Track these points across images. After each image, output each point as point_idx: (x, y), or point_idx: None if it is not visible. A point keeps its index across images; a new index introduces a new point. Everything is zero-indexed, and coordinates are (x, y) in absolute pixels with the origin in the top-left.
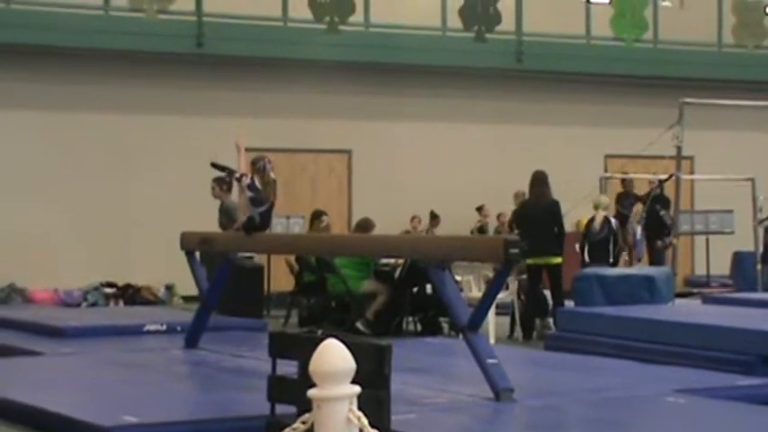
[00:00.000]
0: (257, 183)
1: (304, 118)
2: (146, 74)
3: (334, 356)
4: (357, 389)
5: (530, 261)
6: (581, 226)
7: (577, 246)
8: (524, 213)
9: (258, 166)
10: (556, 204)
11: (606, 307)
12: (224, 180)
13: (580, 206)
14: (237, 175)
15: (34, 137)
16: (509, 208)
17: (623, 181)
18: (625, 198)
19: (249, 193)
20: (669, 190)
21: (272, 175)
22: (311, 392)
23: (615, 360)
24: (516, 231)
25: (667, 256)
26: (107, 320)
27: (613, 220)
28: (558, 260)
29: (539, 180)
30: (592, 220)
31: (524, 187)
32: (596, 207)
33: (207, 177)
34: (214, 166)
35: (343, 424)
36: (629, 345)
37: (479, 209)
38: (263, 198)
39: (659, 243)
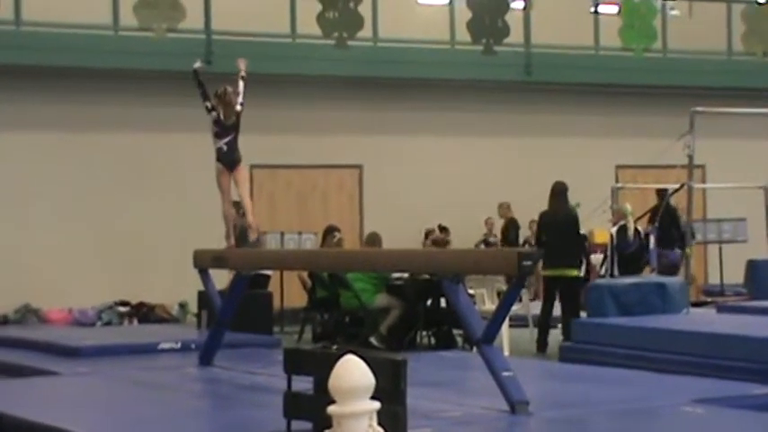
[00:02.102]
0: (221, 115)
1: (314, 134)
2: (155, 93)
3: (354, 373)
4: (377, 404)
5: (546, 273)
6: (593, 237)
7: (594, 257)
8: (542, 224)
9: (219, 93)
10: (575, 215)
11: (620, 317)
12: (239, 204)
13: (592, 217)
14: (209, 105)
15: (45, 158)
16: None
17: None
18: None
19: (215, 128)
20: (680, 199)
21: (236, 100)
22: (331, 409)
23: (631, 371)
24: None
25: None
26: (121, 339)
27: (641, 230)
28: (575, 272)
29: (557, 191)
30: (619, 231)
31: (533, 199)
32: (624, 216)
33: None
34: (196, 72)
35: None
36: (644, 355)
37: (487, 221)
38: (224, 131)
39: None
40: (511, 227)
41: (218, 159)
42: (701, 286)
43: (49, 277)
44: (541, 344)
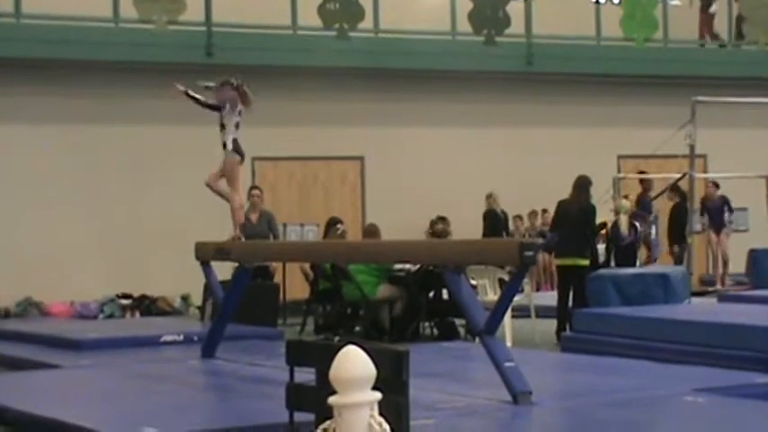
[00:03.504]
0: (241, 104)
1: (315, 125)
2: (157, 85)
3: (354, 363)
4: (378, 395)
5: (558, 262)
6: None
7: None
8: (559, 213)
9: (237, 84)
10: (592, 207)
11: (622, 307)
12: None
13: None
14: (209, 102)
15: (46, 150)
16: (507, 211)
17: (642, 181)
18: (644, 199)
19: (236, 119)
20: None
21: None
22: (332, 399)
23: (632, 360)
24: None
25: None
26: (124, 332)
27: (638, 224)
28: (585, 262)
29: (577, 184)
30: (615, 224)
31: (534, 190)
32: (618, 212)
33: None
34: (187, 95)
35: (364, 431)
36: (646, 345)
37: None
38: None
39: (675, 248)
40: (488, 217)
41: (237, 150)
42: (702, 275)
43: (50, 270)
44: (561, 335)
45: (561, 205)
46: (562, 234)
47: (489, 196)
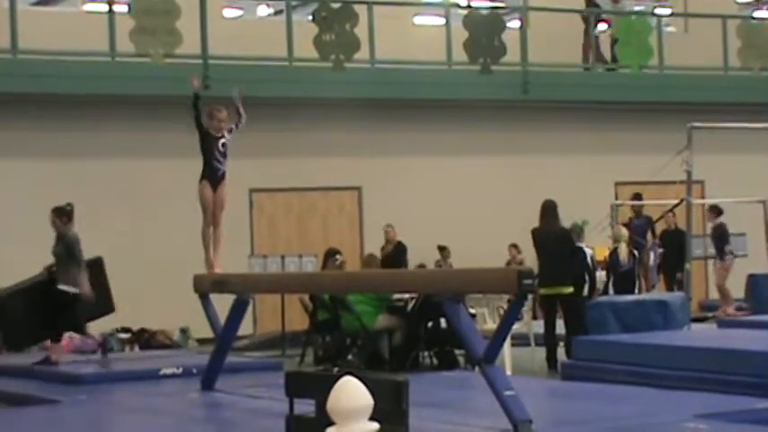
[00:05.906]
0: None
1: (312, 156)
2: (154, 118)
3: (351, 394)
4: (376, 426)
5: (542, 291)
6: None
7: (598, 274)
8: (537, 242)
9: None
10: (567, 232)
11: (622, 334)
12: (63, 210)
13: (592, 235)
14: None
15: (43, 185)
16: (506, 240)
17: (633, 207)
18: (637, 224)
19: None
20: (680, 216)
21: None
22: (330, 431)
23: (633, 387)
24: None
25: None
26: (123, 366)
27: (635, 251)
28: (570, 289)
29: (547, 208)
30: (614, 252)
31: (532, 218)
32: (617, 240)
33: None
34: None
35: None
36: (646, 372)
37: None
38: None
39: (678, 275)
40: (400, 251)
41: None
42: (701, 301)
43: None
44: (551, 362)
45: (538, 234)
46: (544, 263)
47: (391, 229)
